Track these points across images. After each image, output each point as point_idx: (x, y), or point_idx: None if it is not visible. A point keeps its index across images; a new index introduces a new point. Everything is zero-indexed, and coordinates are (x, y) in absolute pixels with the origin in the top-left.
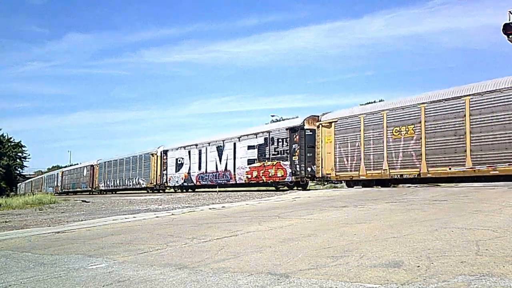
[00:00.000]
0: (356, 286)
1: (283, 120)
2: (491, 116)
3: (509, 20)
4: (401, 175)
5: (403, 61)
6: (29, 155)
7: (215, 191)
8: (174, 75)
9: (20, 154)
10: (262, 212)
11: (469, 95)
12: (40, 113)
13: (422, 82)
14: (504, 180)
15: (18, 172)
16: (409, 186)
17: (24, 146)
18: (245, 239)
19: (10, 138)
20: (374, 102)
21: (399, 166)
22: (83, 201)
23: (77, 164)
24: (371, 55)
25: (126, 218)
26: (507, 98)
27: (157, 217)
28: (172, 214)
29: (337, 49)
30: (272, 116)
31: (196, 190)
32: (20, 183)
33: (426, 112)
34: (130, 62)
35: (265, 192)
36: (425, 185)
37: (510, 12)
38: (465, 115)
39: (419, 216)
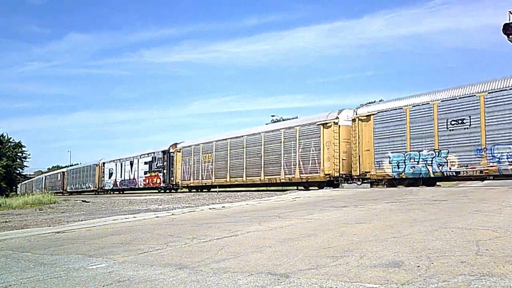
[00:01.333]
0: (356, 286)
1: (283, 120)
2: None
3: (509, 20)
4: None
5: (403, 61)
6: (29, 155)
7: (138, 193)
8: (174, 75)
9: (20, 154)
10: (262, 212)
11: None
12: (40, 113)
13: (422, 82)
14: None
15: (18, 172)
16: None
17: (24, 146)
18: (245, 239)
19: (10, 138)
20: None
21: None
22: (83, 201)
23: (57, 169)
24: (371, 55)
25: (126, 218)
26: None
27: (157, 217)
28: (172, 214)
29: (337, 49)
30: (272, 116)
31: (124, 192)
32: (20, 183)
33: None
34: (130, 62)
35: (265, 192)
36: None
37: (510, 12)
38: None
39: (419, 216)
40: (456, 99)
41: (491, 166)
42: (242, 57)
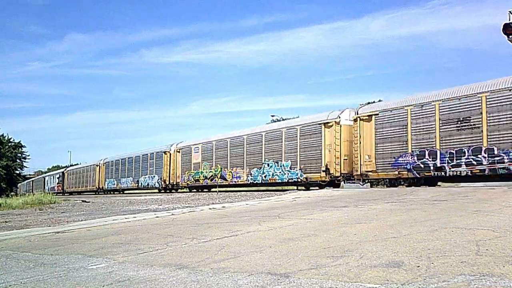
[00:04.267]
0: (356, 286)
1: (283, 120)
2: None
3: (509, 20)
4: None
5: (403, 61)
6: (28, 155)
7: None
8: (174, 75)
9: (20, 154)
10: (262, 212)
11: None
12: (40, 113)
13: (422, 82)
14: None
15: (18, 172)
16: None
17: (24, 147)
18: (245, 239)
19: (10, 138)
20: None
21: None
22: (83, 201)
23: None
24: (371, 55)
25: (126, 218)
26: None
27: (157, 217)
28: (172, 214)
29: (337, 49)
30: (272, 116)
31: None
32: (19, 183)
33: None
34: (130, 62)
35: (265, 192)
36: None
37: (510, 12)
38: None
39: (419, 216)
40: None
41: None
42: (242, 57)
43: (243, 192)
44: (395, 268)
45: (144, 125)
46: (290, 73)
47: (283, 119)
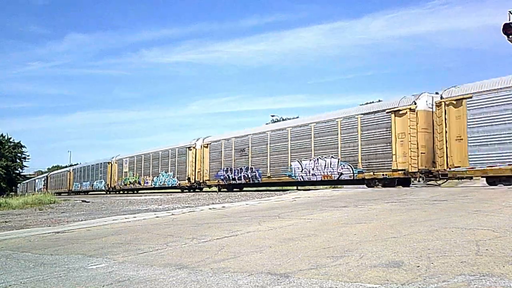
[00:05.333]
0: (356, 286)
1: (283, 120)
2: None
3: (509, 20)
4: None
5: (403, 61)
6: (28, 155)
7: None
8: (174, 75)
9: (20, 154)
10: (262, 212)
11: None
12: (40, 113)
13: (422, 82)
14: None
15: (18, 172)
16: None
17: (24, 147)
18: (245, 239)
19: (10, 138)
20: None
21: None
22: (83, 201)
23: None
24: (371, 55)
25: (126, 218)
26: None
27: (157, 217)
28: (172, 214)
29: (337, 49)
30: (272, 116)
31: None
32: (19, 183)
33: None
34: (130, 62)
35: (265, 192)
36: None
37: (510, 12)
38: None
39: (419, 216)
40: None
41: None
42: (242, 57)
43: (243, 193)
44: (395, 268)
45: (144, 125)
46: (290, 73)
47: (283, 119)
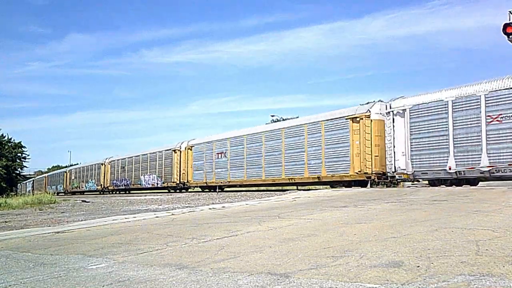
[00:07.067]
0: (356, 286)
1: (283, 120)
2: None
3: (509, 20)
4: None
5: (403, 61)
6: (28, 155)
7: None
8: (174, 75)
9: (20, 154)
10: (262, 212)
11: None
12: (40, 113)
13: (422, 82)
14: None
15: (18, 172)
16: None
17: (24, 147)
18: (245, 239)
19: (10, 138)
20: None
21: None
22: (83, 201)
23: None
24: (371, 55)
25: (126, 218)
26: None
27: (157, 217)
28: (172, 214)
29: (337, 49)
30: (272, 116)
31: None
32: (19, 183)
33: None
34: (130, 62)
35: (265, 192)
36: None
37: (510, 12)
38: None
39: (419, 216)
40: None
41: None
42: (242, 57)
43: (243, 192)
44: (395, 268)
45: (144, 125)
46: (290, 73)
47: (283, 119)
